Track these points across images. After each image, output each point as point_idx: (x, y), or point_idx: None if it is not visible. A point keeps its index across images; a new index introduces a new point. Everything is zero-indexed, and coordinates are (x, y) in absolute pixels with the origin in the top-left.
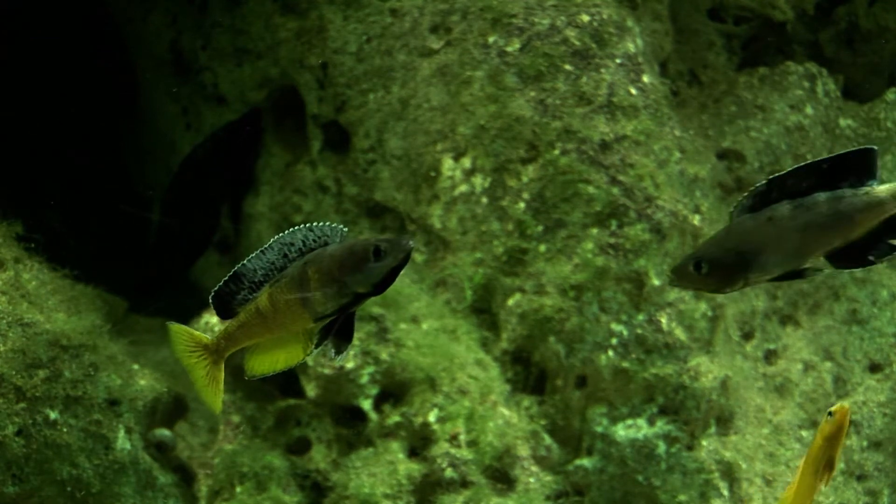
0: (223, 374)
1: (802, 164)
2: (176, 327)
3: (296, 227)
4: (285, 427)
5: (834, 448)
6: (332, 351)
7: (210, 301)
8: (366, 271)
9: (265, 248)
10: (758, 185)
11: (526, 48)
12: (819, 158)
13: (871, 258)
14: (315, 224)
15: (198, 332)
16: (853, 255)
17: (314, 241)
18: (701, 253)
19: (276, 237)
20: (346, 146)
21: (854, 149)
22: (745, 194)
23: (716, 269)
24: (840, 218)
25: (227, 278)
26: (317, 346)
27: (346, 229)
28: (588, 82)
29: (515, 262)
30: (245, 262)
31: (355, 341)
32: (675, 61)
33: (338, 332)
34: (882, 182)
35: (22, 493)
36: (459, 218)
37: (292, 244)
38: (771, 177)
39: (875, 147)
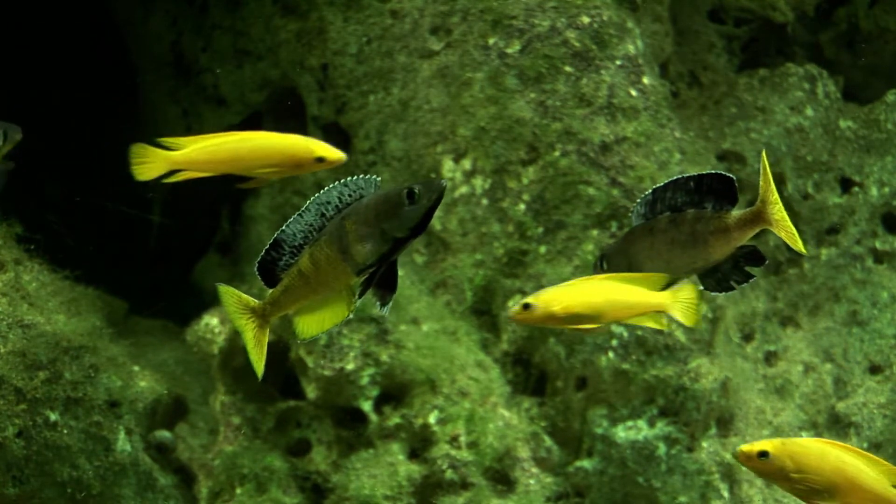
0: (267, 339)
1: (680, 176)
2: (224, 288)
3: (330, 186)
4: (285, 428)
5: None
6: (378, 303)
7: (255, 271)
8: (402, 216)
9: (302, 211)
10: (646, 193)
11: (526, 50)
12: (690, 174)
13: (732, 284)
14: (349, 179)
15: (245, 295)
16: (720, 279)
17: (350, 195)
18: (606, 250)
19: (311, 198)
20: (346, 147)
21: (716, 173)
22: (638, 201)
23: (611, 268)
24: (696, 239)
25: (268, 246)
26: (359, 297)
27: (379, 179)
28: (588, 84)
29: (516, 263)
30: (284, 227)
31: (355, 342)
32: (675, 63)
33: (381, 282)
34: (737, 209)
35: (22, 494)
36: (460, 219)
37: (328, 203)
38: (654, 187)
39: (732, 177)
